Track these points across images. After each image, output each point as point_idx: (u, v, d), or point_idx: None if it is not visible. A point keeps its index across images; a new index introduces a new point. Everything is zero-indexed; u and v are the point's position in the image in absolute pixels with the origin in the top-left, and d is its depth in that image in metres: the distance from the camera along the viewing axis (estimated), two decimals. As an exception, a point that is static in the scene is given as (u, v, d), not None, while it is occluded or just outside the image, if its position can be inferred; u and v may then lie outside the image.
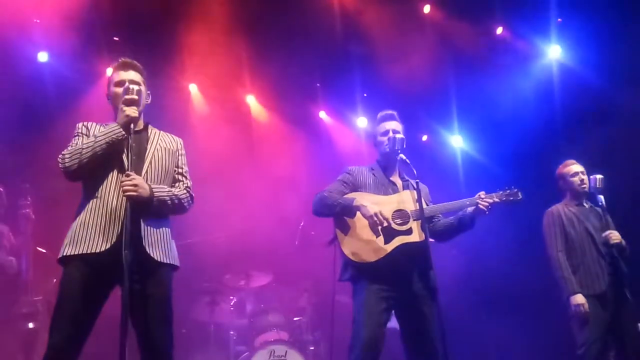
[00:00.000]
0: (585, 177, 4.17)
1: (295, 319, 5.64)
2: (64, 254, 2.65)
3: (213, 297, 5.44)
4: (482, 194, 3.26)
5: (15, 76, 5.60)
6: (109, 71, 5.99)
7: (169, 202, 2.81)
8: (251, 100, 7.29)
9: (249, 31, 6.36)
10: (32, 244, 4.70)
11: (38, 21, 5.69)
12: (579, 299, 3.87)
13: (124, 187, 2.61)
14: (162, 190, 2.80)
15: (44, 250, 4.79)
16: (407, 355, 3.19)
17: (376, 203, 3.18)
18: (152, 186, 2.75)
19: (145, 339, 2.67)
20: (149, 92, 3.02)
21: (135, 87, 2.81)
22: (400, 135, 3.38)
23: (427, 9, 6.73)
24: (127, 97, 2.77)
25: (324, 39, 6.58)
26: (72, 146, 2.75)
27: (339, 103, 7.47)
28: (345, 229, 3.19)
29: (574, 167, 4.25)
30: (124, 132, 2.71)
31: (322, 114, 7.65)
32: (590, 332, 3.84)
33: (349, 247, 3.14)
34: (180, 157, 3.02)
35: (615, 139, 5.91)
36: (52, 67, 5.92)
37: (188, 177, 3.02)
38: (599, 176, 4.04)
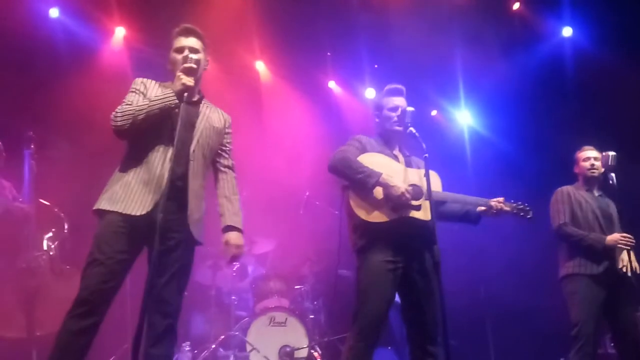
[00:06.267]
0: (596, 163, 4.13)
1: (296, 287, 5.69)
2: (101, 207, 2.74)
3: (216, 261, 5.45)
4: (501, 199, 3.32)
5: (27, 31, 5.55)
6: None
7: None
8: (260, 67, 7.22)
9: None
10: (35, 198, 4.65)
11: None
12: (613, 237, 3.88)
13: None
14: (239, 218, 3.09)
15: (47, 203, 4.75)
16: (408, 328, 3.21)
17: (393, 173, 3.18)
18: (234, 221, 3.03)
19: (159, 303, 2.72)
20: (207, 59, 3.04)
21: (194, 57, 2.85)
22: (410, 108, 3.34)
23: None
24: (185, 65, 2.80)
25: (336, 8, 6.49)
26: (125, 104, 2.79)
27: (348, 73, 7.40)
28: (358, 189, 3.18)
29: (588, 152, 4.22)
30: (177, 100, 2.75)
31: (332, 84, 7.59)
32: (583, 312, 3.87)
33: (360, 206, 3.14)
34: (226, 136, 3.11)
35: (627, 118, 5.86)
36: (63, 23, 5.88)
37: (231, 155, 3.14)
38: (611, 153, 3.97)
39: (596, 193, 4.21)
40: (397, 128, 3.33)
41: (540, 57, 6.73)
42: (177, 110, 2.75)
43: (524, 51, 6.75)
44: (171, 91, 2.78)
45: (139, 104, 2.76)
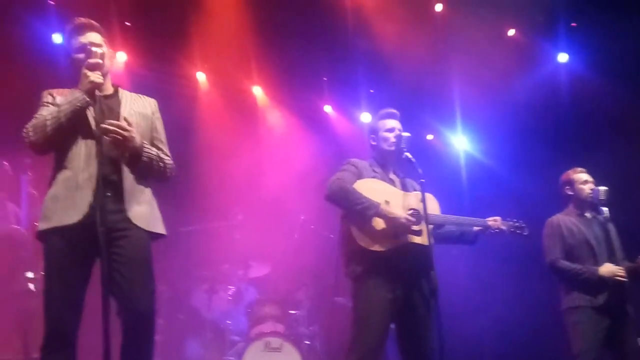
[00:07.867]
0: (594, 188, 4.07)
1: (291, 312, 5.62)
2: (39, 230, 2.58)
3: (211, 285, 5.44)
4: (497, 218, 3.36)
5: (30, 57, 5.59)
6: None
7: (154, 162, 2.68)
8: (257, 92, 7.28)
9: (258, 23, 6.37)
10: (31, 222, 4.64)
11: (53, 2, 5.73)
12: (607, 268, 3.82)
13: (111, 130, 2.49)
14: (151, 149, 2.68)
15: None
16: (403, 356, 3.18)
17: (391, 198, 3.19)
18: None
19: (124, 302, 2.53)
20: (111, 50, 2.85)
21: (99, 50, 2.64)
22: (406, 133, 3.37)
23: (438, 7, 6.70)
24: (90, 61, 2.58)
25: (332, 34, 6.59)
26: (36, 118, 2.60)
27: (344, 98, 7.46)
28: (356, 216, 3.17)
29: (585, 175, 4.13)
30: (87, 99, 2.54)
31: (328, 108, 7.64)
32: (585, 342, 3.82)
33: (361, 235, 3.12)
34: (156, 121, 2.85)
35: (621, 142, 5.91)
36: (66, 48, 5.91)
37: (166, 145, 2.84)
38: (602, 188, 3.97)
39: (589, 215, 4.12)
40: (391, 147, 3.35)
41: (536, 83, 6.77)
42: (90, 109, 2.56)
43: (520, 77, 6.80)
44: (79, 91, 2.55)
45: (48, 114, 2.56)
